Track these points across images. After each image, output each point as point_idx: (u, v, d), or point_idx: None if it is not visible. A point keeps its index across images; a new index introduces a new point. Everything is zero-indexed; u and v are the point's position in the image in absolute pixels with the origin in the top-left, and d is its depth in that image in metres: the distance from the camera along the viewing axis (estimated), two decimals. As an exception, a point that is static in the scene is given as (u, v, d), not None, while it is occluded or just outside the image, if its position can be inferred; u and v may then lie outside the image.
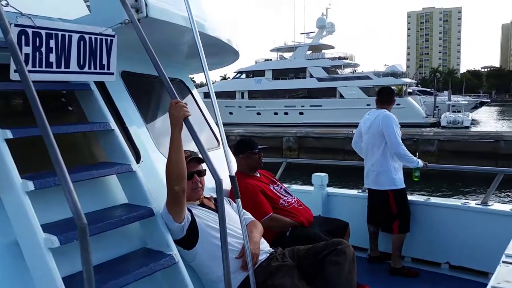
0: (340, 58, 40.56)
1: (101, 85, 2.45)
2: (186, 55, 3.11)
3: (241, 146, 3.39)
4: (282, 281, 2.27)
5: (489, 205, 3.71)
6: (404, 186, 3.91)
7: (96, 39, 2.10)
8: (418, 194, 4.28)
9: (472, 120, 32.83)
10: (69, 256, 1.80)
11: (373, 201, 4.06)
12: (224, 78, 66.14)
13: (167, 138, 2.92)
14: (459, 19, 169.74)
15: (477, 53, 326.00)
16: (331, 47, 41.96)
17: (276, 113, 38.48)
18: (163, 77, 2.01)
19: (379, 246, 4.12)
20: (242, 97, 41.56)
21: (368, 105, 30.09)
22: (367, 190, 4.17)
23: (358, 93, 33.24)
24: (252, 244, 2.37)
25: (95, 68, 2.13)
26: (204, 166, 2.46)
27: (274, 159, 5.15)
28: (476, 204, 3.81)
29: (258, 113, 39.16)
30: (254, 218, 2.72)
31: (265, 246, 2.56)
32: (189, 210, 2.32)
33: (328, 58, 39.87)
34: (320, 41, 41.65)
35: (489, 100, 52.63)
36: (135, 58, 2.59)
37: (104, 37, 2.13)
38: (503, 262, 1.88)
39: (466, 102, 34.87)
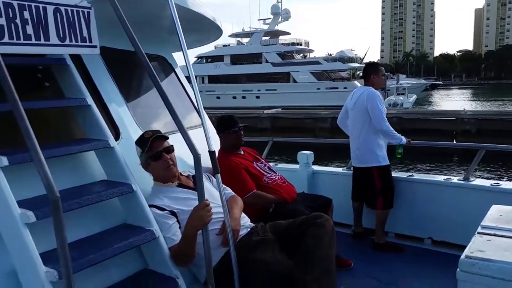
0: (293, 44, 42.20)
1: (78, 61, 2.41)
2: (169, 31, 3.05)
3: (221, 124, 3.38)
4: (263, 255, 2.29)
5: (470, 181, 3.76)
6: (388, 163, 3.93)
7: (72, 11, 2.04)
8: (401, 171, 4.31)
9: (417, 100, 34.46)
10: (48, 233, 1.80)
11: (358, 178, 4.10)
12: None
13: (148, 115, 2.91)
14: (432, 3, 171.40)
15: (452, 37, 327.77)
16: (287, 33, 43.66)
17: (234, 97, 39.97)
18: (139, 52, 1.97)
19: (363, 222, 4.18)
20: (203, 82, 42.85)
21: (318, 88, 32.55)
22: (352, 168, 4.21)
23: (309, 78, 35.04)
24: (232, 220, 2.38)
25: (76, 41, 2.06)
26: (170, 142, 2.42)
27: (260, 138, 5.17)
28: (458, 180, 3.87)
29: (218, 97, 40.34)
30: (234, 193, 2.73)
31: (245, 221, 2.57)
32: (174, 214, 2.28)
33: (283, 44, 41.34)
34: (276, 27, 43.06)
35: (440, 83, 53.68)
36: (115, 34, 2.53)
37: (80, 9, 2.07)
38: (478, 233, 1.93)
39: (409, 85, 36.46)
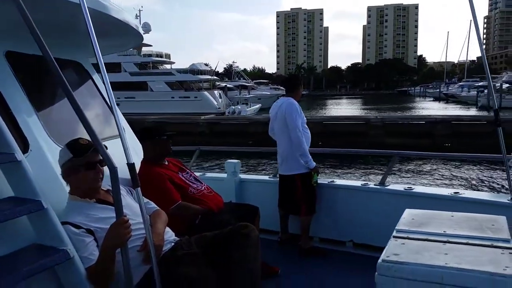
0: (150, 55, 45.10)
1: None
2: (84, 35, 2.89)
3: (147, 132, 3.27)
4: (187, 270, 2.23)
5: (386, 185, 3.99)
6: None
7: None
8: (324, 177, 4.47)
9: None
10: None
11: (282, 185, 4.19)
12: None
13: (61, 125, 2.71)
14: (321, 19, 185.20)
15: (344, 51, 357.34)
16: (149, 45, 45.49)
17: None
18: (47, 56, 1.82)
19: (289, 228, 4.26)
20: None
21: (172, 97, 35.69)
22: (278, 175, 4.29)
23: (164, 87, 37.83)
24: (155, 235, 2.29)
25: None
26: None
27: (187, 147, 5.09)
28: (374, 185, 4.08)
29: None
30: (157, 208, 2.63)
31: (169, 236, 2.49)
32: (91, 232, 2.14)
33: (144, 55, 43.72)
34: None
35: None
36: (24, 37, 2.34)
37: None
38: (393, 237, 2.03)
39: (248, 96, 42.14)
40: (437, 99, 65.73)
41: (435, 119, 18.88)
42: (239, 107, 34.82)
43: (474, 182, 12.94)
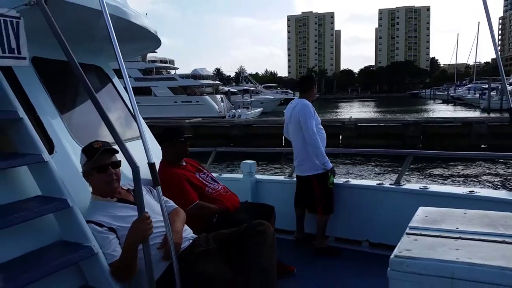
0: (154, 61, 46.07)
1: (8, 72, 2.29)
2: (104, 40, 2.99)
3: (166, 134, 3.35)
4: (205, 267, 2.29)
5: (401, 185, 4.00)
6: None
7: None
8: (339, 177, 4.49)
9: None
10: None
11: (299, 186, 4.23)
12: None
13: (83, 127, 2.82)
14: (332, 23, 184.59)
15: (360, 54, 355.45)
16: (154, 52, 46.67)
17: None
18: (72, 61, 1.91)
19: (306, 228, 4.29)
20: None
21: (175, 102, 36.60)
22: (293, 175, 4.33)
23: (167, 92, 38.88)
24: (174, 233, 2.36)
25: (3, 52, 1.98)
26: (119, 157, 2.37)
27: (203, 148, 5.17)
28: (390, 184, 4.09)
29: None
30: (176, 206, 2.71)
31: (188, 233, 2.56)
32: (113, 231, 2.22)
33: (148, 61, 44.66)
34: None
35: (295, 97, 58.71)
36: (48, 43, 2.45)
37: (8, 19, 1.98)
38: (406, 233, 2.07)
39: (248, 100, 42.81)
40: (445, 101, 66.03)
41: (408, 122, 19.86)
42: (239, 110, 35.67)
43: (489, 180, 12.77)
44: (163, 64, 47.01)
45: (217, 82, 48.98)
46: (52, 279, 1.87)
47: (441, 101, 69.84)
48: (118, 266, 2.10)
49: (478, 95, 47.18)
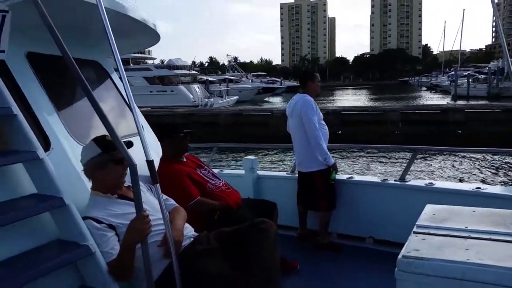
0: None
1: (2, 67, 2.23)
2: (101, 35, 2.88)
3: (165, 130, 3.28)
4: (206, 265, 2.25)
5: (406, 181, 3.91)
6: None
7: None
8: (342, 173, 4.42)
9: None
10: None
11: (301, 182, 4.16)
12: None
13: (81, 123, 2.72)
14: (324, 11, 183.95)
15: (357, 41, 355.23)
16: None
17: None
18: (66, 56, 1.84)
19: (308, 224, 4.23)
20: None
21: (150, 91, 36.80)
22: (295, 171, 4.24)
23: (143, 82, 39.00)
24: (175, 231, 2.31)
25: None
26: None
27: (204, 144, 5.07)
28: (394, 180, 4.01)
29: None
30: (176, 204, 2.65)
31: (188, 231, 2.51)
32: (112, 228, 2.16)
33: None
34: None
35: (280, 86, 60.64)
36: (43, 38, 2.36)
37: None
38: (414, 232, 2.00)
39: (223, 89, 43.83)
40: (429, 88, 67.44)
41: (327, 111, 19.79)
42: (212, 99, 35.97)
43: (496, 176, 12.74)
44: (140, 55, 47.67)
45: (193, 72, 49.62)
46: (49, 279, 1.83)
47: (425, 88, 71.51)
48: (116, 265, 2.05)
49: (449, 82, 48.86)
